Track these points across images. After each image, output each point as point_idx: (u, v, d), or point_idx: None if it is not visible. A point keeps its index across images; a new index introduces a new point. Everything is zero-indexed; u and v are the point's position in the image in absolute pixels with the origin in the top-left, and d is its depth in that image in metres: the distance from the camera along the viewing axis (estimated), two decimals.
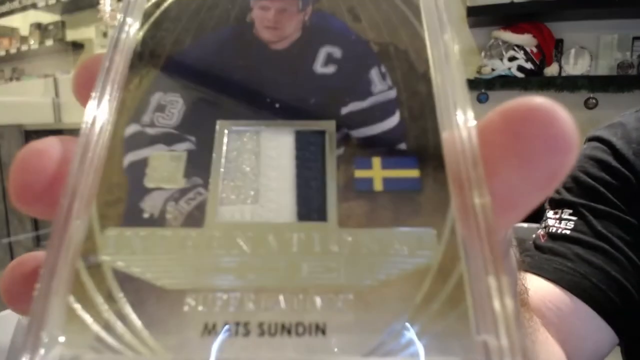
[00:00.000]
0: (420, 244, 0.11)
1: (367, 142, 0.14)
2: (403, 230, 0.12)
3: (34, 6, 2.75)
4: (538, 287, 0.48)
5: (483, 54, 1.75)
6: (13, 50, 2.99)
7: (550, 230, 0.52)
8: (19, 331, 0.86)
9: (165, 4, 0.16)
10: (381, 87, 0.14)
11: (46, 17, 2.92)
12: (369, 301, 0.11)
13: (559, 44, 1.70)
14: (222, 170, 0.13)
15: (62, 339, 0.10)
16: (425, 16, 0.15)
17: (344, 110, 0.14)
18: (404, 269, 0.11)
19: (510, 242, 0.20)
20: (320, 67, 0.15)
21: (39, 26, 2.93)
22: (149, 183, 0.13)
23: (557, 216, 0.52)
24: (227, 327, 0.11)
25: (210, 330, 0.10)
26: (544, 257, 0.50)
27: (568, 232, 0.50)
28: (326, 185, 0.13)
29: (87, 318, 0.11)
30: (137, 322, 0.11)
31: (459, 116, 0.13)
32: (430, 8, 0.15)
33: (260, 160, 0.13)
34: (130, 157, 0.13)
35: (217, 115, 0.14)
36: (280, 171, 0.13)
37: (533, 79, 1.68)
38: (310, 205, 0.13)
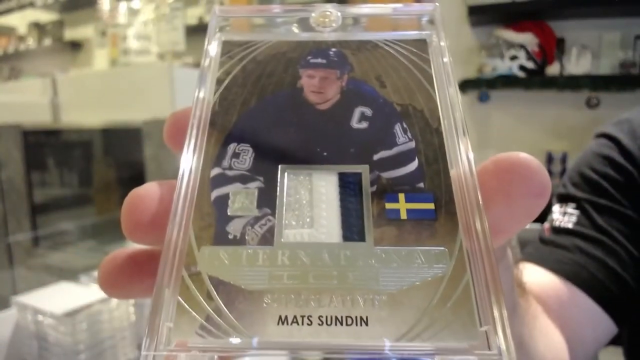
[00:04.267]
0: (437, 259, 0.15)
1: (394, 182, 0.18)
2: (423, 249, 0.16)
3: (31, 5, 2.75)
4: (540, 277, 0.51)
5: (484, 53, 1.74)
6: (11, 50, 2.99)
7: (554, 224, 0.55)
8: (17, 331, 0.86)
9: (234, 72, 0.21)
10: (403, 139, 0.19)
11: (44, 16, 2.91)
12: (398, 301, 0.15)
13: (560, 43, 1.69)
14: (284, 202, 0.17)
15: (173, 327, 0.14)
16: (436, 82, 0.20)
17: (375, 157, 0.18)
18: (425, 278, 0.15)
19: (505, 249, 0.26)
20: (355, 123, 0.19)
21: (37, 25, 2.92)
22: (231, 212, 0.17)
23: (562, 210, 0.55)
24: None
25: (284, 321, 0.14)
26: (546, 249, 0.54)
27: (570, 225, 0.53)
28: (364, 214, 0.17)
29: (193, 312, 0.14)
30: (229, 315, 0.14)
31: (463, 161, 0.17)
32: (440, 73, 0.20)
33: (313, 195, 0.18)
34: (216, 193, 0.17)
35: (279, 161, 0.18)
36: (329, 203, 0.18)
37: (534, 78, 1.67)
38: (352, 230, 0.17)
